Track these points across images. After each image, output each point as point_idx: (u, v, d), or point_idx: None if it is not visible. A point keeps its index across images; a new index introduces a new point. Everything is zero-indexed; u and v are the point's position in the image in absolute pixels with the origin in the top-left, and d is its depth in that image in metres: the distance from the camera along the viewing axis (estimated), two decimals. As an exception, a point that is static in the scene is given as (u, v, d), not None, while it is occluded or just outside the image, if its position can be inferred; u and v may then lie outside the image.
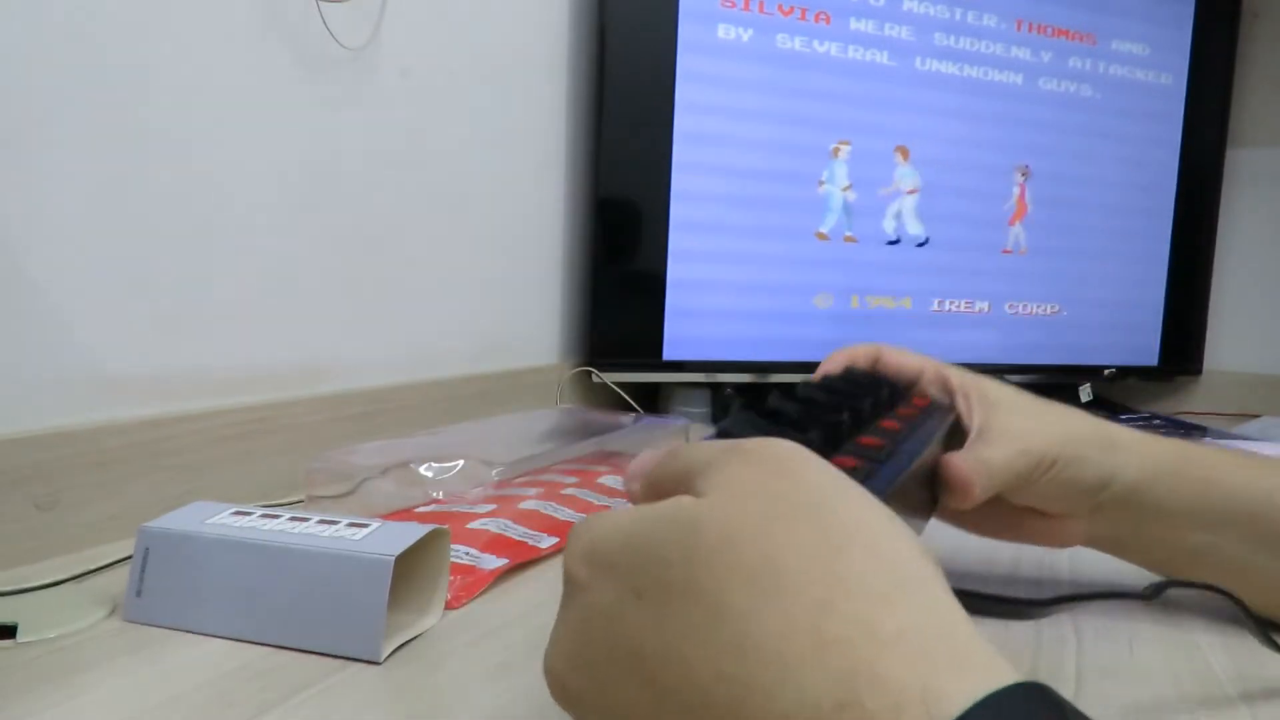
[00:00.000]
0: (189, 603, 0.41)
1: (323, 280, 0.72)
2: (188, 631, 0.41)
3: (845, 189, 1.13)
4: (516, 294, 0.97)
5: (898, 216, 1.16)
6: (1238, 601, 0.38)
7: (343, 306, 0.74)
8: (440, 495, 0.57)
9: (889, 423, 0.41)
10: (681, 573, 0.22)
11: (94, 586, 0.47)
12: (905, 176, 1.16)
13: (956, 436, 0.48)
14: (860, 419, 0.39)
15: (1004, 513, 0.48)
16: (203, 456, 0.60)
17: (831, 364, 0.52)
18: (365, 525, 0.43)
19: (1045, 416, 0.46)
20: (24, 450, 0.50)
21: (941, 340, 1.20)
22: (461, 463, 0.57)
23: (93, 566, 0.49)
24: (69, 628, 0.41)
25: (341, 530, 0.42)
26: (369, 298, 0.77)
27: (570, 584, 0.25)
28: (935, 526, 0.48)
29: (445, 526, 0.44)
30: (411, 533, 0.42)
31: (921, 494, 0.44)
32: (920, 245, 1.17)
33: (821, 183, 1.12)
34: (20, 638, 0.40)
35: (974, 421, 0.47)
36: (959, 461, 0.43)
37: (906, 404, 0.47)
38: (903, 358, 0.53)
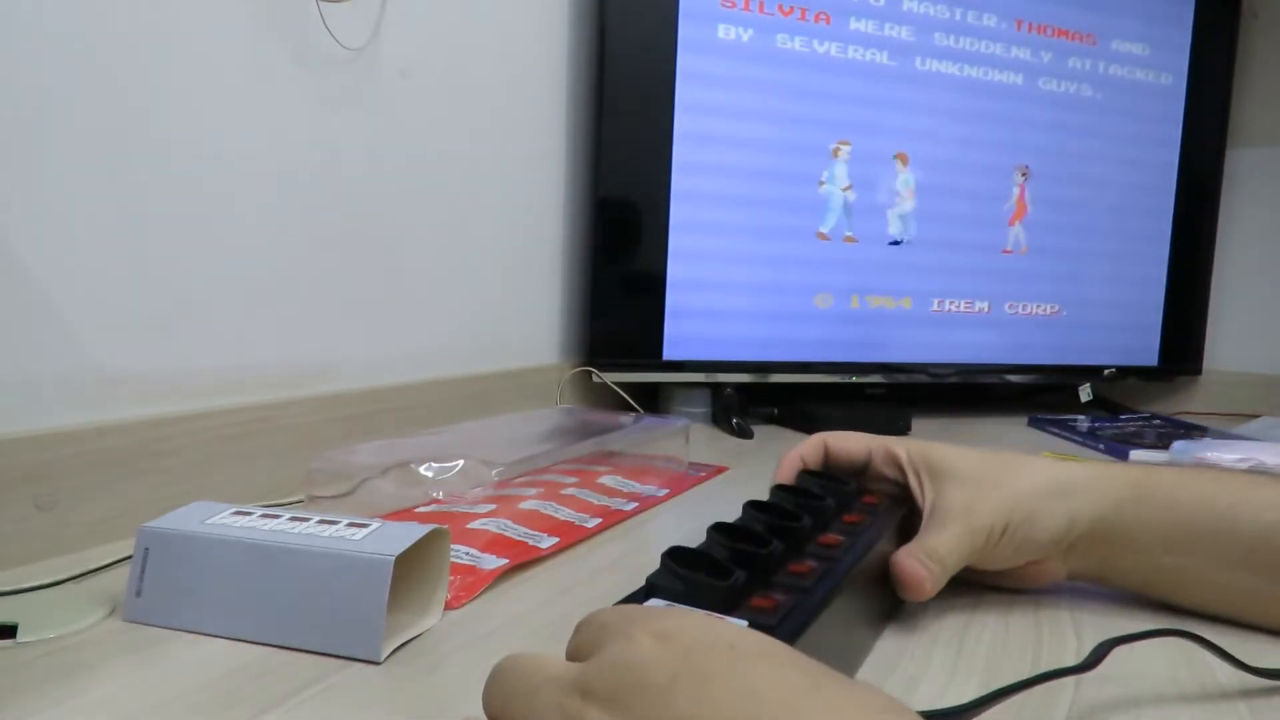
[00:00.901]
0: (189, 603, 0.41)
1: (323, 280, 0.72)
2: (188, 631, 0.41)
3: (845, 189, 1.13)
4: (516, 294, 0.97)
5: (902, 219, 1.16)
6: (1194, 638, 0.39)
7: (343, 306, 0.74)
8: (440, 495, 0.57)
9: (829, 538, 0.42)
10: None
11: (94, 586, 0.47)
12: (905, 183, 1.16)
13: (917, 515, 0.48)
14: (800, 539, 0.40)
15: (978, 569, 0.48)
16: (203, 456, 0.60)
17: (783, 472, 0.52)
18: (365, 525, 0.43)
19: (991, 481, 0.46)
20: (24, 450, 0.50)
21: (941, 340, 1.20)
22: (461, 463, 0.57)
23: (93, 566, 0.49)
24: (69, 628, 0.41)
25: (341, 530, 0.42)
26: (369, 298, 0.77)
27: None
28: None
29: (445, 526, 0.44)
30: (411, 533, 0.42)
31: (885, 585, 0.45)
32: (912, 244, 1.17)
33: (822, 183, 1.12)
34: (20, 638, 0.40)
35: (925, 501, 0.48)
36: (907, 560, 0.44)
37: (856, 507, 0.47)
38: (850, 444, 0.53)
